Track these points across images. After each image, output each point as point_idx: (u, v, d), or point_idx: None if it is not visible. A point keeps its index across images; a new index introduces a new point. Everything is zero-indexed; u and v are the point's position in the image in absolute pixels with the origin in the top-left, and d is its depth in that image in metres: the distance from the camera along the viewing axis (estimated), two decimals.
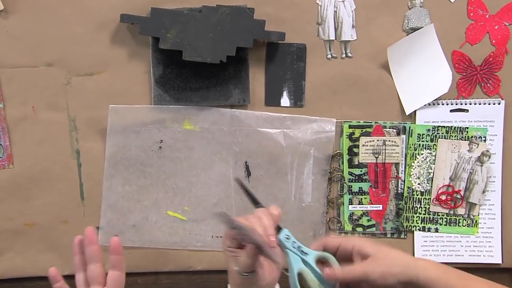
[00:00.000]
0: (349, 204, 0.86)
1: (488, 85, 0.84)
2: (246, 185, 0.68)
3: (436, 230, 0.86)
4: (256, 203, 0.66)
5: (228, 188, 0.84)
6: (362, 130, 0.84)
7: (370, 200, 0.86)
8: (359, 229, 0.86)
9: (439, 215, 0.86)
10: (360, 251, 0.63)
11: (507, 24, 0.83)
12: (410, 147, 0.85)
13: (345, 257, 0.64)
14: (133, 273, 0.84)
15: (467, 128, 0.84)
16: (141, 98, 0.82)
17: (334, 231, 0.86)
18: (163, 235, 0.84)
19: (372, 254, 0.62)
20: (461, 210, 0.86)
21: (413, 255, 0.86)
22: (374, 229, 0.86)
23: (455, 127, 0.85)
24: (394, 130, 0.85)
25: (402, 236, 0.87)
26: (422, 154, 0.85)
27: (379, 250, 0.62)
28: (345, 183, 0.85)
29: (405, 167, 0.85)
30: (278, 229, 0.63)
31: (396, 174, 0.85)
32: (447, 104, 0.85)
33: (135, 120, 0.82)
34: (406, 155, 0.85)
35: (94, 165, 0.83)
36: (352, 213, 0.86)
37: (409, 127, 0.85)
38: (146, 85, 0.82)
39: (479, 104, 0.84)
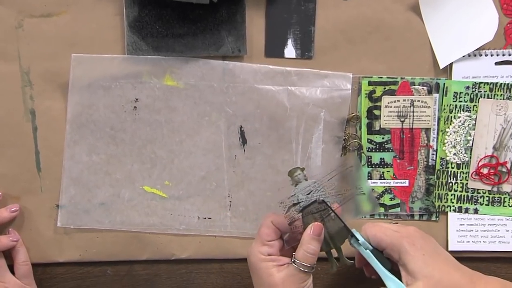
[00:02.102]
0: (368, 179, 0.83)
1: None
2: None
3: (476, 211, 0.84)
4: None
5: (219, 158, 0.82)
6: (385, 88, 0.82)
7: (394, 174, 0.83)
8: (380, 209, 0.84)
9: (480, 193, 0.84)
10: (406, 266, 0.64)
11: None
12: (444, 109, 0.82)
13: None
14: (102, 262, 0.84)
15: None
16: (112, 46, 0.80)
17: (349, 212, 0.80)
18: (139, 215, 0.82)
19: (421, 280, 0.63)
20: (507, 187, 0.83)
21: (447, 241, 0.83)
22: (398, 209, 0.84)
23: (501, 83, 0.81)
24: (425, 88, 0.82)
25: (433, 218, 0.84)
26: (459, 117, 0.82)
27: (429, 276, 0.63)
28: (363, 153, 0.83)
29: (437, 134, 0.83)
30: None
31: (426, 142, 0.83)
32: (491, 55, 0.81)
33: (104, 74, 0.80)
34: (439, 119, 0.82)
35: (53, 128, 0.81)
36: (372, 189, 0.83)
37: (444, 84, 0.82)
38: (117, 30, 0.79)
39: None
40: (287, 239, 0.69)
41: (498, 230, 0.83)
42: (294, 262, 0.65)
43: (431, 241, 0.68)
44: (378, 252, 0.68)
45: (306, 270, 0.65)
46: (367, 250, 0.67)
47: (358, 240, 0.67)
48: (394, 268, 0.67)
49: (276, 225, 0.68)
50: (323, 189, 0.67)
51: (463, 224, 0.84)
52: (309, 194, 0.67)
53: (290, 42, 0.81)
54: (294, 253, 0.66)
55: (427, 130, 0.82)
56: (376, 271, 0.67)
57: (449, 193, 0.83)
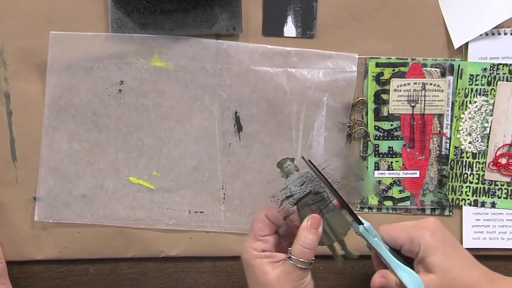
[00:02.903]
0: (375, 170, 0.82)
1: None
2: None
3: (493, 205, 0.83)
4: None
5: (211, 147, 0.81)
6: (394, 70, 0.81)
7: (403, 165, 0.82)
8: (388, 203, 0.82)
9: (497, 185, 0.83)
10: (425, 260, 0.65)
11: None
12: (459, 93, 0.81)
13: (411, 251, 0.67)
14: (84, 260, 0.83)
15: None
16: (94, 23, 0.79)
17: (354, 206, 0.82)
18: (124, 209, 0.82)
19: (436, 273, 0.64)
20: None
21: (461, 237, 0.83)
22: (408, 203, 0.83)
23: None
24: (438, 70, 0.81)
25: (447, 212, 0.83)
26: (475, 102, 0.81)
27: (448, 270, 0.64)
28: (369, 141, 0.82)
29: (451, 120, 0.82)
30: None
31: (439, 129, 0.82)
32: (511, 34, 0.80)
33: (86, 53, 0.79)
34: (453, 104, 0.81)
35: (29, 113, 0.80)
36: (379, 181, 0.83)
37: (459, 65, 0.81)
38: (100, 5, 0.78)
39: None
40: (284, 234, 0.67)
41: None
42: (289, 258, 0.64)
43: (450, 233, 0.67)
44: (395, 252, 0.66)
45: (303, 267, 0.63)
46: (376, 238, 0.65)
47: (363, 225, 0.65)
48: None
49: (270, 219, 0.66)
50: (317, 179, 0.66)
51: (479, 219, 0.83)
52: (302, 185, 0.65)
53: (290, 20, 0.80)
54: (290, 249, 0.65)
55: (440, 116, 0.82)
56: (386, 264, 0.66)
57: (464, 185, 0.83)
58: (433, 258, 0.63)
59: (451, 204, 0.83)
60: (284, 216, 0.65)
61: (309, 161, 0.67)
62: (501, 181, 0.82)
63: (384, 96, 0.81)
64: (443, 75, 0.81)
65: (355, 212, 0.66)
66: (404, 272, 0.64)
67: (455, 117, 0.81)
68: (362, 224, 0.65)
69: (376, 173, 0.82)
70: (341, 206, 0.65)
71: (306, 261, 0.63)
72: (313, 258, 0.64)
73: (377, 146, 0.82)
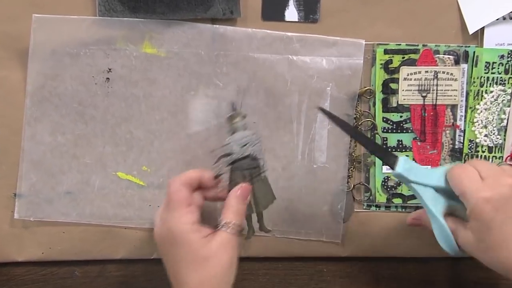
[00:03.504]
0: (383, 165, 0.81)
1: None
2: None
3: None
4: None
5: (206, 140, 0.80)
6: (403, 57, 0.80)
7: (413, 159, 0.81)
8: (397, 201, 0.81)
9: None
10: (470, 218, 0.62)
11: None
12: (474, 82, 0.80)
13: None
14: (69, 262, 0.82)
15: None
16: (81, 6, 0.78)
17: (361, 203, 0.81)
18: (112, 206, 0.81)
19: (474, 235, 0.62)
20: None
21: None
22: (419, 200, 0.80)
23: None
24: (451, 57, 0.80)
25: None
26: (491, 92, 0.80)
27: (488, 227, 0.61)
28: (377, 134, 0.81)
29: (465, 111, 0.81)
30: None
31: (452, 121, 0.81)
32: None
33: (72, 39, 0.78)
34: (467, 94, 0.80)
35: (10, 103, 0.78)
36: (387, 177, 0.81)
37: (474, 52, 0.80)
38: None
39: None
40: (210, 198, 0.70)
41: None
42: (224, 226, 0.65)
43: None
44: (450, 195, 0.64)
45: (240, 231, 0.66)
46: (412, 184, 0.65)
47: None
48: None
49: (205, 181, 0.68)
50: (260, 144, 0.66)
51: None
52: (243, 146, 0.65)
53: (292, 3, 0.79)
54: (224, 221, 0.65)
55: (454, 107, 0.81)
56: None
57: None
58: (474, 214, 0.61)
59: None
60: (216, 174, 0.67)
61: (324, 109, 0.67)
62: None
63: (393, 86, 0.80)
64: (456, 62, 0.80)
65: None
66: (436, 224, 0.63)
67: (470, 108, 0.80)
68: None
69: (384, 169, 0.80)
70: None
71: (240, 225, 0.66)
72: (243, 227, 0.67)
73: (385, 139, 0.81)
